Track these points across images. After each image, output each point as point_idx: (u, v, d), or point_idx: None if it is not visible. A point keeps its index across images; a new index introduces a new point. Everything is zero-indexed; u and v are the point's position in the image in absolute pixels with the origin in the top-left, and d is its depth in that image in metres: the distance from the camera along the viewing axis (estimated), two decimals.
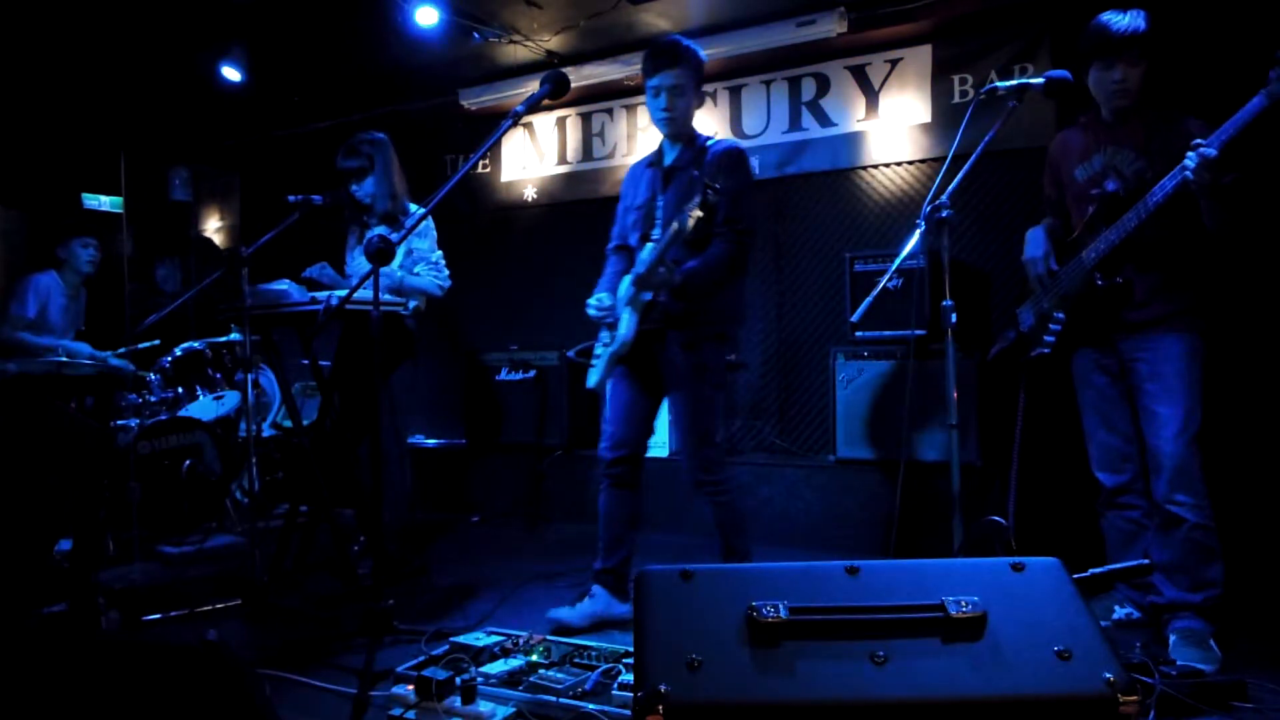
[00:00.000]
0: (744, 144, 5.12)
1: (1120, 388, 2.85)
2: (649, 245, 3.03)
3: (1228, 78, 2.56)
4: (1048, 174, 3.08)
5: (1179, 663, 2.46)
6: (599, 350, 3.18)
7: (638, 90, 5.38)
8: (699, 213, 2.68)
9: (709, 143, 3.13)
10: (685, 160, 3.11)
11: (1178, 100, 2.81)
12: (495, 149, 5.89)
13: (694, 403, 3.04)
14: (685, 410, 3.06)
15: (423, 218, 2.92)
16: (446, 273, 3.89)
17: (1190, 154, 2.45)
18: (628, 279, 3.08)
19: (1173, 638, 2.64)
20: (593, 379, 3.18)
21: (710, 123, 5.22)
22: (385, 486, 3.76)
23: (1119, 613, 2.94)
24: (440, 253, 3.89)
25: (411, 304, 3.82)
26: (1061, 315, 2.87)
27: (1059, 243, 2.96)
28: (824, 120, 4.91)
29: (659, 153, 3.23)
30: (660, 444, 4.91)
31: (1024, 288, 3.10)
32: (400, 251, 3.75)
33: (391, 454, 3.80)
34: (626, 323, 3.03)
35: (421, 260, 3.81)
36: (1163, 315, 2.72)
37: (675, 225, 2.76)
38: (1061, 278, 2.89)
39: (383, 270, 3.70)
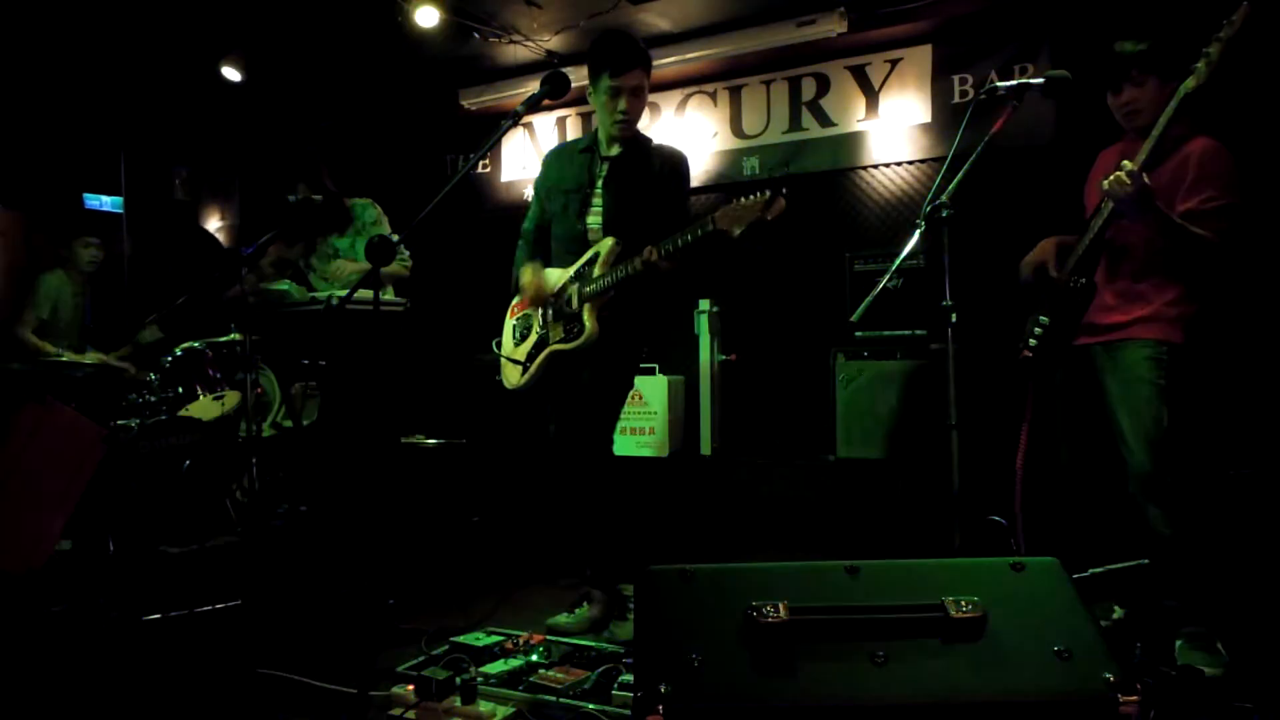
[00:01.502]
0: (744, 144, 5.17)
1: (1094, 395, 2.83)
2: (609, 240, 2.92)
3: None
4: (1086, 186, 3.06)
5: (1182, 664, 2.46)
6: (520, 346, 3.11)
7: None
8: (737, 232, 2.56)
9: (650, 142, 3.06)
10: (631, 153, 3.00)
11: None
12: (495, 149, 5.89)
13: (615, 396, 3.01)
14: (606, 397, 2.98)
15: (423, 216, 2.91)
16: (408, 253, 3.98)
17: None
18: (570, 271, 3.00)
19: (1179, 642, 2.62)
20: (516, 377, 3.09)
21: (710, 123, 5.22)
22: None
23: (1119, 612, 2.94)
24: (396, 235, 3.95)
25: (389, 292, 3.88)
26: (1045, 319, 2.87)
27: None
28: (824, 120, 4.91)
29: (594, 140, 3.07)
30: (660, 444, 4.92)
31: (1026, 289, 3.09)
32: (362, 243, 3.83)
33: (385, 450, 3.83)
34: (589, 315, 2.91)
35: None
36: (1127, 321, 2.69)
37: (699, 229, 2.65)
38: (1054, 284, 2.89)
39: (356, 266, 3.78)
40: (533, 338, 3.10)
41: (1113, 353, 2.72)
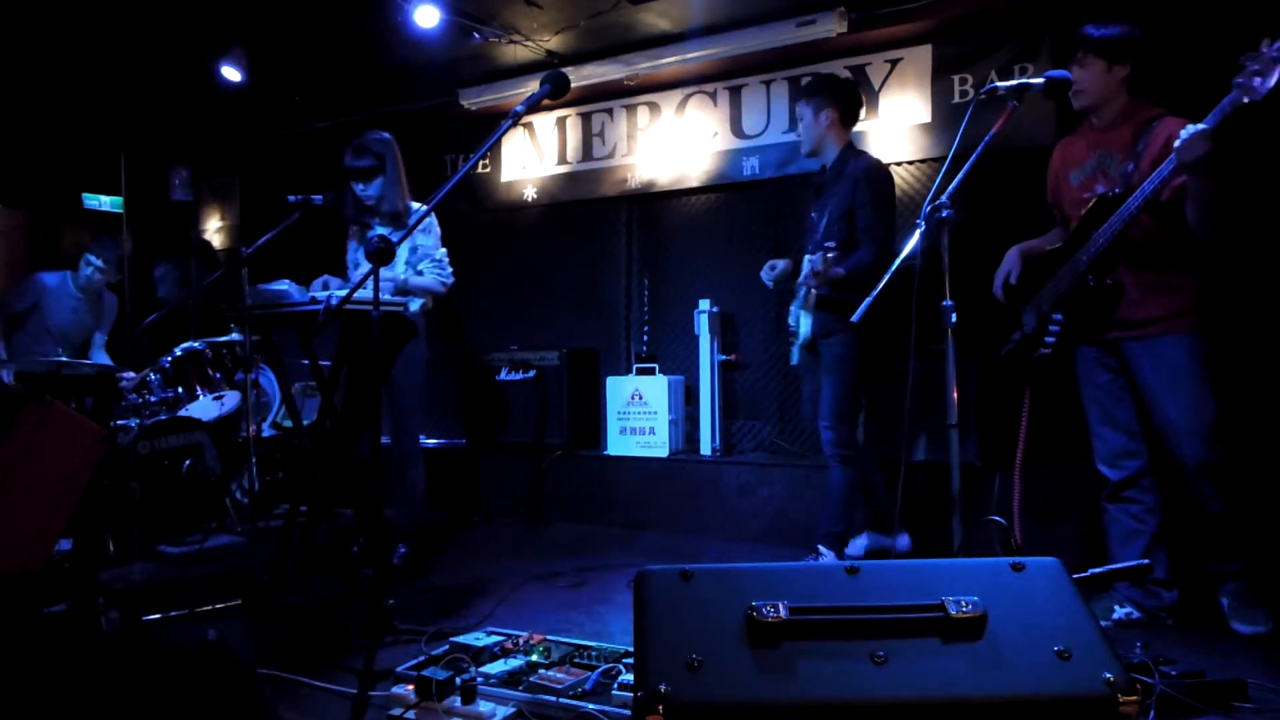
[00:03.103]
0: (744, 144, 5.16)
1: (1123, 383, 2.90)
2: (806, 257, 3.55)
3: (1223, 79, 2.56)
4: (1049, 182, 3.14)
5: (1238, 628, 2.75)
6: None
7: (638, 90, 5.38)
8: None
9: (850, 160, 3.58)
10: (832, 178, 3.62)
11: (1173, 103, 2.82)
12: (495, 149, 5.88)
13: (834, 387, 3.56)
14: (827, 392, 3.57)
15: (424, 216, 2.92)
16: (450, 270, 3.91)
17: (1183, 131, 2.48)
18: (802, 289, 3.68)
19: (1225, 601, 2.80)
20: (794, 359, 3.89)
21: (710, 123, 5.22)
22: (396, 486, 3.77)
23: (1119, 613, 2.94)
24: (444, 250, 3.90)
25: (417, 302, 3.83)
26: (1059, 316, 2.91)
27: (1055, 250, 3.00)
28: None
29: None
30: (660, 444, 4.92)
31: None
32: (405, 249, 3.77)
33: (405, 454, 3.80)
34: (804, 323, 3.66)
35: (426, 257, 3.82)
36: (1160, 316, 2.77)
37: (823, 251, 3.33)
38: (1058, 279, 2.92)
39: (385, 274, 3.75)
40: None
41: (1152, 347, 2.80)
